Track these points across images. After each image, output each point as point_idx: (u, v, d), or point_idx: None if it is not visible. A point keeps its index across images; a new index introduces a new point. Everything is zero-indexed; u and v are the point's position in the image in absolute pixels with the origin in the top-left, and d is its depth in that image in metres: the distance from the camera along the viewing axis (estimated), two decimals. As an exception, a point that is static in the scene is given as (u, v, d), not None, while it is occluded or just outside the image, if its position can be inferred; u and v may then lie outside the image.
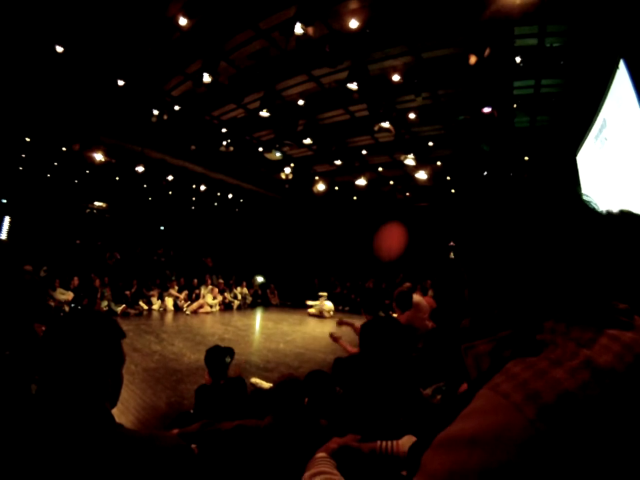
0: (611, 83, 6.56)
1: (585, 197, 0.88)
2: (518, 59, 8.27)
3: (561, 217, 0.84)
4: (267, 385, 5.92)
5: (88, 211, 21.36)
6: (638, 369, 0.68)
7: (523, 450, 0.61)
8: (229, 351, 4.46)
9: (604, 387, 0.64)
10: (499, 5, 6.53)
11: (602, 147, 7.36)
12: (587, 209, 0.86)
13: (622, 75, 6.03)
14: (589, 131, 8.20)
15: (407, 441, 1.45)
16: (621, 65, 6.00)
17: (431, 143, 13.69)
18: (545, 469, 0.60)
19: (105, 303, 13.86)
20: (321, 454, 1.44)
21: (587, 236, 0.81)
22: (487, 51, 7.54)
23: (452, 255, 16.63)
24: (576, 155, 9.30)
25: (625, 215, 0.91)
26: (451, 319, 4.74)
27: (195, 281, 17.35)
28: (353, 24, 7.65)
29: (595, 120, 7.71)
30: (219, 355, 4.33)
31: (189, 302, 16.25)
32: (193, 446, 2.61)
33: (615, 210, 0.92)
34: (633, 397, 0.65)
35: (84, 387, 1.17)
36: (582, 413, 0.62)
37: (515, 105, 10.42)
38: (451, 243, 17.29)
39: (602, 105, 7.21)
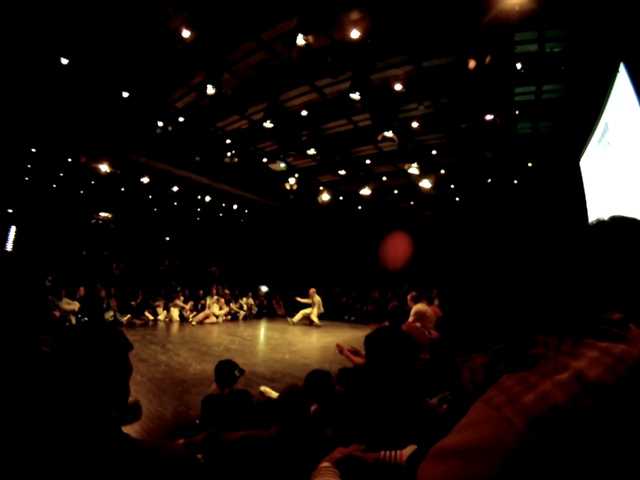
0: (612, 86, 6.56)
1: (576, 212, 0.89)
2: (519, 65, 8.28)
3: (552, 234, 0.85)
4: (275, 394, 5.90)
5: (94, 221, 21.41)
6: (630, 381, 0.68)
7: (513, 462, 0.62)
8: (240, 368, 4.58)
9: (594, 400, 0.65)
10: (497, 11, 6.55)
11: (605, 151, 7.34)
12: (575, 225, 0.87)
13: (622, 79, 6.03)
14: (592, 136, 8.19)
15: (410, 451, 1.46)
16: (621, 68, 6.00)
17: (434, 152, 13.70)
18: None
19: (110, 313, 13.88)
20: (325, 464, 1.44)
21: (575, 249, 0.83)
22: (488, 58, 7.56)
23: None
24: (579, 160, 9.29)
25: (615, 222, 0.92)
26: (456, 328, 4.73)
27: (201, 291, 17.36)
28: (355, 34, 7.70)
29: (597, 124, 7.71)
30: (229, 368, 4.40)
31: (194, 312, 16.24)
32: (199, 456, 2.62)
33: (606, 217, 0.93)
34: (625, 409, 0.66)
35: (91, 397, 1.18)
36: (571, 426, 0.63)
37: (517, 112, 10.43)
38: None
39: (604, 108, 7.21)
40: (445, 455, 0.71)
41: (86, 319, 12.66)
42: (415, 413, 2.21)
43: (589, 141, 8.41)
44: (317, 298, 16.38)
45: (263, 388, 6.21)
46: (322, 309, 16.48)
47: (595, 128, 7.88)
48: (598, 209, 8.03)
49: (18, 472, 1.02)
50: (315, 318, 16.04)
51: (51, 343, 1.53)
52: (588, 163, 8.77)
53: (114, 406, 1.26)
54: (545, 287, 0.82)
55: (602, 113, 7.35)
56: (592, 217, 7.96)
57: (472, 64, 7.86)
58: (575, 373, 0.69)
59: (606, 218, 0.93)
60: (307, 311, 16.18)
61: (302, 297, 16.69)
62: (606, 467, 0.63)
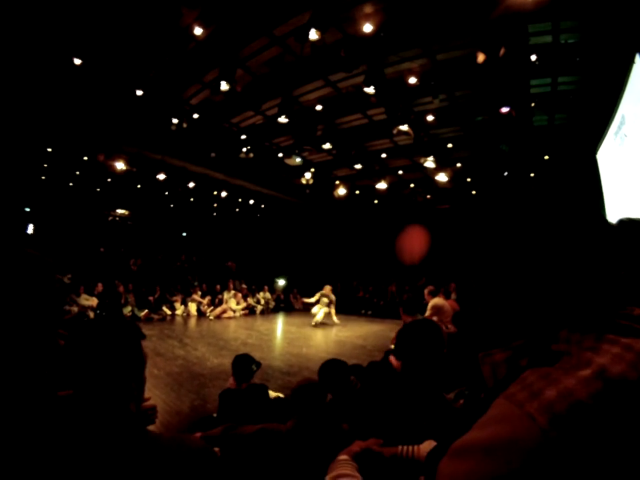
0: (628, 78, 6.48)
1: (595, 205, 0.88)
2: (533, 57, 8.19)
3: (572, 228, 0.84)
4: (274, 394, 5.91)
5: (110, 218, 21.62)
6: None
7: (535, 458, 0.62)
8: (256, 362, 4.56)
9: (617, 397, 0.65)
10: (511, 2, 6.48)
11: (622, 143, 7.25)
12: (595, 218, 0.86)
13: (639, 70, 5.95)
14: (608, 128, 8.10)
15: (427, 446, 1.47)
16: (637, 59, 5.92)
17: (450, 145, 13.63)
18: (557, 477, 0.62)
19: (128, 309, 14.04)
20: (343, 456, 1.45)
21: (597, 245, 0.82)
22: (502, 50, 7.49)
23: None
24: (596, 153, 9.18)
25: (624, 224, 0.91)
26: (473, 323, 4.70)
27: (218, 286, 17.47)
28: (367, 28, 7.66)
29: (614, 116, 7.62)
30: (246, 362, 4.41)
31: (212, 307, 16.36)
32: (216, 449, 2.63)
33: (615, 221, 0.92)
34: None
35: (108, 389, 1.20)
36: (594, 423, 0.63)
37: (532, 104, 10.33)
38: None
39: (620, 100, 7.12)
40: (467, 452, 0.71)
41: (104, 314, 12.80)
42: (433, 408, 2.20)
43: (606, 133, 8.31)
44: (332, 296, 15.11)
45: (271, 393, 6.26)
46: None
47: (612, 120, 7.79)
48: (615, 202, 7.94)
49: (35, 465, 1.03)
50: (334, 317, 14.98)
51: (66, 336, 1.55)
52: (605, 156, 8.68)
53: (131, 398, 1.27)
54: (565, 282, 0.81)
55: (618, 105, 7.27)
56: (609, 210, 7.86)
57: (481, 58, 7.79)
58: (598, 369, 0.68)
59: (623, 218, 0.92)
60: (326, 309, 14.90)
61: (311, 296, 15.47)
62: (627, 465, 0.62)
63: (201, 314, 16.14)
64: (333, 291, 15.17)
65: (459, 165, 15.03)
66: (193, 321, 14.87)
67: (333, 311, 14.97)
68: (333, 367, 3.62)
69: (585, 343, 0.75)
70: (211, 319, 15.36)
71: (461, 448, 0.73)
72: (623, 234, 0.85)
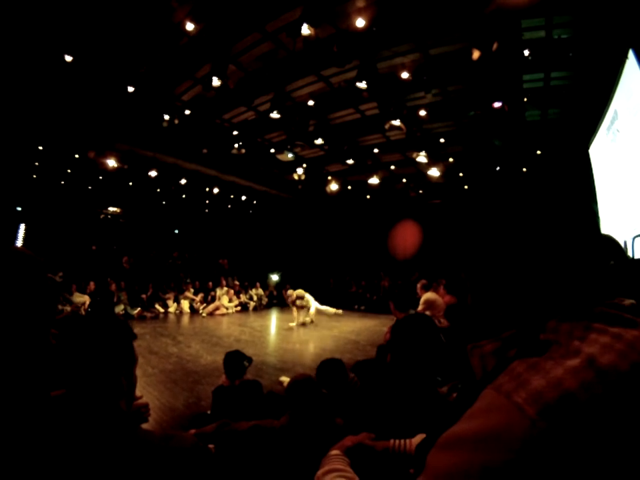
0: (621, 73, 6.49)
1: (586, 200, 0.87)
2: (526, 52, 8.21)
3: (562, 221, 0.84)
4: None
5: (102, 216, 21.49)
6: None
7: (524, 450, 0.62)
8: (248, 357, 4.54)
9: (607, 387, 0.64)
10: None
11: (614, 138, 7.28)
12: (586, 212, 0.86)
13: (631, 66, 5.97)
14: (601, 123, 8.12)
15: (419, 440, 1.47)
16: (630, 55, 5.94)
17: (442, 140, 13.64)
18: (545, 468, 0.61)
19: (121, 307, 13.98)
20: (335, 451, 1.45)
21: (587, 238, 0.82)
22: (495, 45, 7.50)
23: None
24: (588, 148, 9.21)
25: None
26: (464, 315, 4.72)
27: (210, 283, 17.44)
28: (360, 23, 7.63)
29: (606, 112, 7.63)
30: (237, 359, 4.39)
31: (204, 304, 16.33)
32: (210, 446, 2.63)
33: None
34: (638, 395, 0.64)
35: (98, 386, 1.19)
36: (583, 413, 0.62)
37: (525, 99, 10.35)
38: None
39: (612, 96, 7.14)
40: (455, 443, 0.70)
41: (94, 312, 12.74)
42: (425, 402, 2.20)
43: (598, 128, 8.34)
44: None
45: (282, 378, 6.30)
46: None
47: (604, 115, 7.81)
48: (607, 196, 7.97)
49: (28, 464, 1.03)
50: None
51: (58, 335, 1.54)
52: (597, 151, 8.70)
53: (121, 395, 1.27)
54: (554, 272, 0.81)
55: (611, 100, 7.29)
56: (601, 205, 7.89)
57: (476, 54, 7.80)
58: (587, 358, 0.67)
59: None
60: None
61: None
62: (617, 456, 0.62)
63: (193, 311, 16.11)
64: (327, 287, 14.87)
65: (451, 159, 15.04)
66: (185, 319, 14.84)
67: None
68: (329, 366, 3.62)
69: (574, 332, 0.74)
70: (203, 316, 15.34)
71: (448, 440, 0.72)
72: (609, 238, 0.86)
